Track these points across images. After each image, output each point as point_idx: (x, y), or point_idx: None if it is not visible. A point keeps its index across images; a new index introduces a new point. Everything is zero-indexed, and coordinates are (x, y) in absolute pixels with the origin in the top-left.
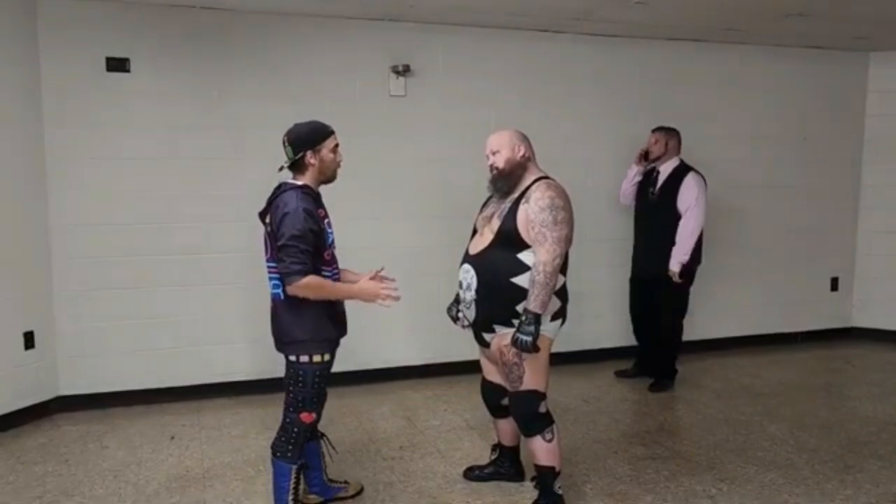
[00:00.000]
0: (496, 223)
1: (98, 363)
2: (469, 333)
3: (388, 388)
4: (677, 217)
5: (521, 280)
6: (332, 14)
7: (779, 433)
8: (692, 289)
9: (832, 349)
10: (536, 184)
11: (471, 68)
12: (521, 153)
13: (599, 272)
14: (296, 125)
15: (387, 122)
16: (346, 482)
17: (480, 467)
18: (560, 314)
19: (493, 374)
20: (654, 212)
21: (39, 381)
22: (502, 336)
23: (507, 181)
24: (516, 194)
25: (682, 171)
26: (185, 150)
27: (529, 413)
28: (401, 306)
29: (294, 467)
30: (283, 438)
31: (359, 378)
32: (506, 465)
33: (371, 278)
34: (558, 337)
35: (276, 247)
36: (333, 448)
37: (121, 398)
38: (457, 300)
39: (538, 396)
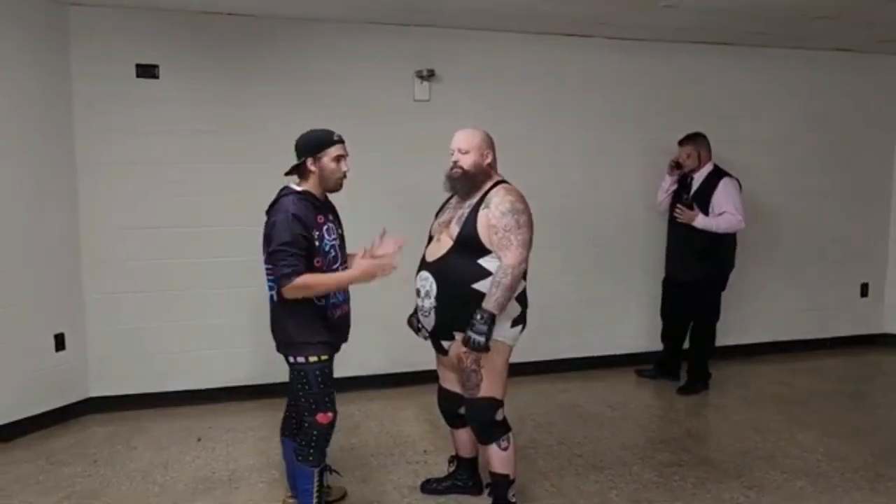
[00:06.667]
0: (455, 229)
1: (127, 365)
2: (429, 343)
3: (412, 393)
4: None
5: (482, 286)
6: (357, 20)
7: (808, 441)
8: (723, 293)
9: (862, 356)
10: (495, 189)
11: (495, 73)
12: (488, 161)
13: (625, 277)
14: (307, 131)
15: (411, 126)
16: (328, 487)
17: (438, 480)
18: (520, 320)
19: (449, 381)
20: None
21: (69, 383)
22: (461, 342)
23: (467, 185)
24: (475, 199)
25: (715, 176)
26: (213, 155)
27: (486, 420)
28: None
29: (316, 470)
30: (303, 442)
31: (382, 382)
32: (464, 477)
33: (361, 257)
34: (581, 342)
35: (267, 252)
36: None
37: (149, 400)
38: (417, 310)
39: (495, 404)
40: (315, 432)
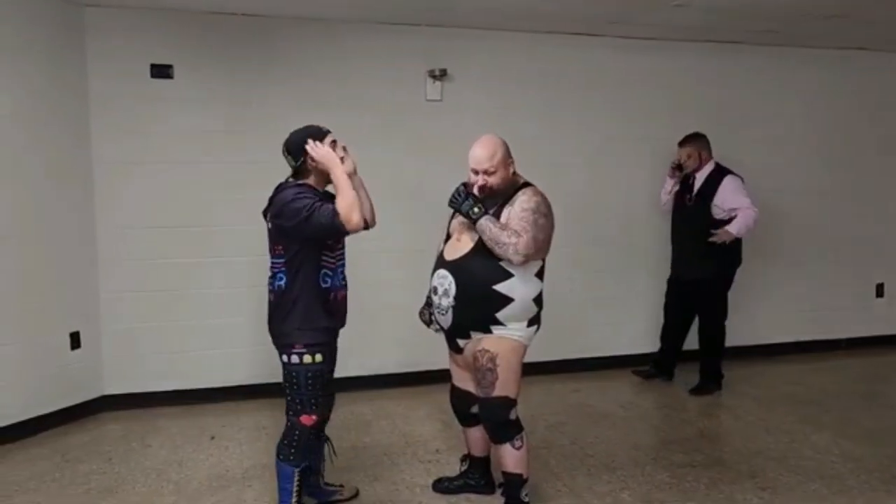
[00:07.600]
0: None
1: (141, 363)
2: (442, 337)
3: (424, 392)
4: (713, 221)
5: (502, 287)
6: (369, 20)
7: (822, 442)
8: (730, 292)
9: (877, 356)
10: (523, 189)
11: (507, 72)
12: (513, 169)
13: (635, 277)
14: (292, 133)
15: (423, 126)
16: (341, 486)
17: (450, 479)
18: (536, 320)
19: (463, 380)
20: (691, 217)
21: (85, 381)
22: (477, 341)
23: (496, 198)
24: (500, 200)
25: (717, 175)
26: (224, 155)
27: (500, 419)
28: None
29: (297, 470)
30: (285, 441)
31: (395, 381)
32: (476, 476)
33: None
34: (591, 343)
35: (301, 231)
36: (335, 453)
37: (163, 398)
38: (428, 303)
39: (509, 403)
40: (297, 432)
